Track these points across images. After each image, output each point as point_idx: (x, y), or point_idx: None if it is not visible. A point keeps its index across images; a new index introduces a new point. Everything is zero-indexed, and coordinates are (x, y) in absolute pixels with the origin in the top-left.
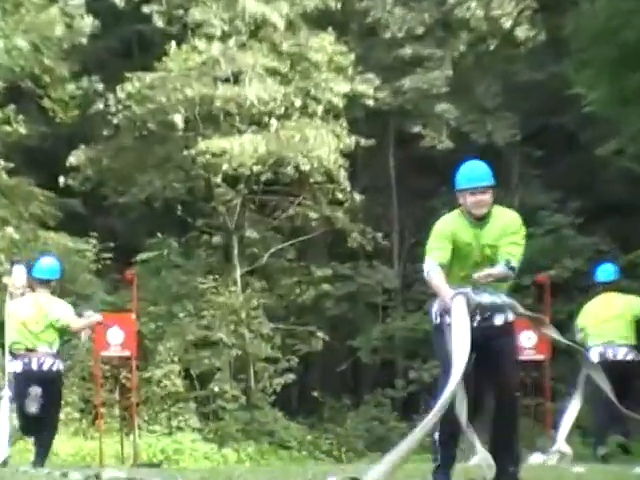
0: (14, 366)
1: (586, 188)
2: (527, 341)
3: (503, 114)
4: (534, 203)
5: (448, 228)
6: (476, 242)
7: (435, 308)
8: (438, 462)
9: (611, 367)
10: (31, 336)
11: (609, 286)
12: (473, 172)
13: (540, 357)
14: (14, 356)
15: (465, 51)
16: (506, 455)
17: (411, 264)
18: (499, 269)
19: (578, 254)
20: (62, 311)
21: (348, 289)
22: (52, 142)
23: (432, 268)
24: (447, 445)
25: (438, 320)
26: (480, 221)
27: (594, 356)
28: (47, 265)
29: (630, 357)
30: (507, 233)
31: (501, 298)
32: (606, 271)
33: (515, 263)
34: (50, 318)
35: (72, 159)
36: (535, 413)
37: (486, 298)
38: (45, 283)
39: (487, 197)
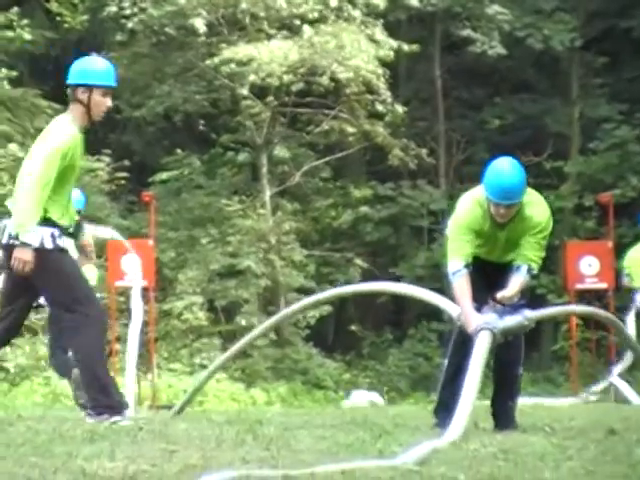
0: None
1: None
2: (588, 268)
3: (562, 17)
4: (597, 115)
5: (470, 223)
6: (496, 238)
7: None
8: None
9: None
10: None
11: None
12: (501, 188)
13: (603, 285)
14: None
15: None
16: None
17: (459, 183)
18: (521, 282)
19: None
20: None
21: (389, 211)
22: (60, 49)
23: (458, 272)
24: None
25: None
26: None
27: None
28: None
29: None
30: (531, 232)
31: (524, 315)
32: None
33: (536, 269)
34: None
35: None
36: (597, 348)
37: (510, 320)
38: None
39: (512, 211)
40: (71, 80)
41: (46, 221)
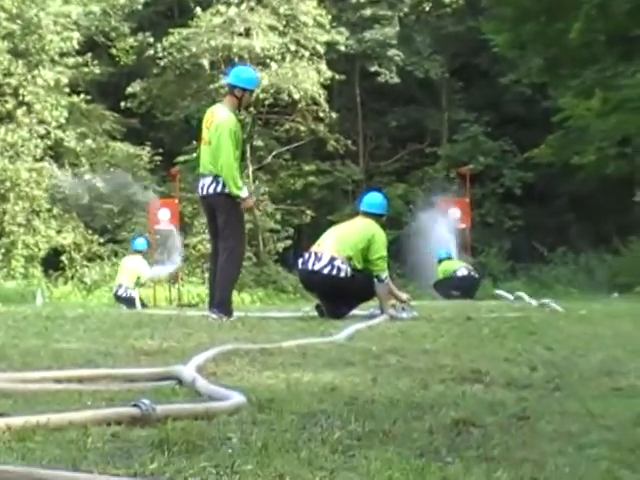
0: None
1: (494, 107)
2: (455, 214)
3: (435, 57)
4: (458, 118)
5: None
6: None
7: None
8: None
9: None
10: None
11: None
12: None
13: (463, 226)
14: None
15: (408, 12)
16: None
17: (372, 162)
18: None
19: (489, 153)
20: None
21: (327, 180)
22: (117, 78)
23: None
24: None
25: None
26: None
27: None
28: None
29: None
30: None
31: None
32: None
33: None
34: None
35: (130, 89)
36: None
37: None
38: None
39: None
40: (232, 81)
41: None
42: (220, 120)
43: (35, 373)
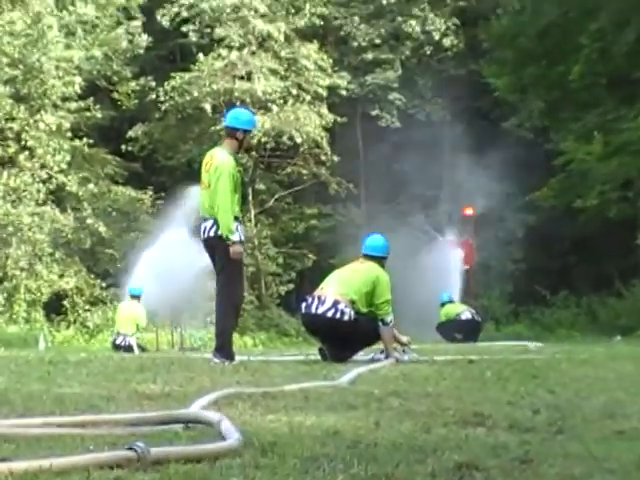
0: None
1: (495, 149)
2: (458, 256)
3: (437, 100)
4: (459, 161)
5: None
6: None
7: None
8: None
9: None
10: None
11: None
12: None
13: (467, 267)
14: None
15: (409, 55)
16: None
17: (373, 205)
18: None
19: (491, 195)
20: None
21: (329, 223)
22: (119, 122)
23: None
24: None
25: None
26: None
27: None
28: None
29: None
30: None
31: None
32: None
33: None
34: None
35: (132, 132)
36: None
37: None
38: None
39: None
40: (232, 124)
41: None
42: (219, 162)
43: (37, 419)
